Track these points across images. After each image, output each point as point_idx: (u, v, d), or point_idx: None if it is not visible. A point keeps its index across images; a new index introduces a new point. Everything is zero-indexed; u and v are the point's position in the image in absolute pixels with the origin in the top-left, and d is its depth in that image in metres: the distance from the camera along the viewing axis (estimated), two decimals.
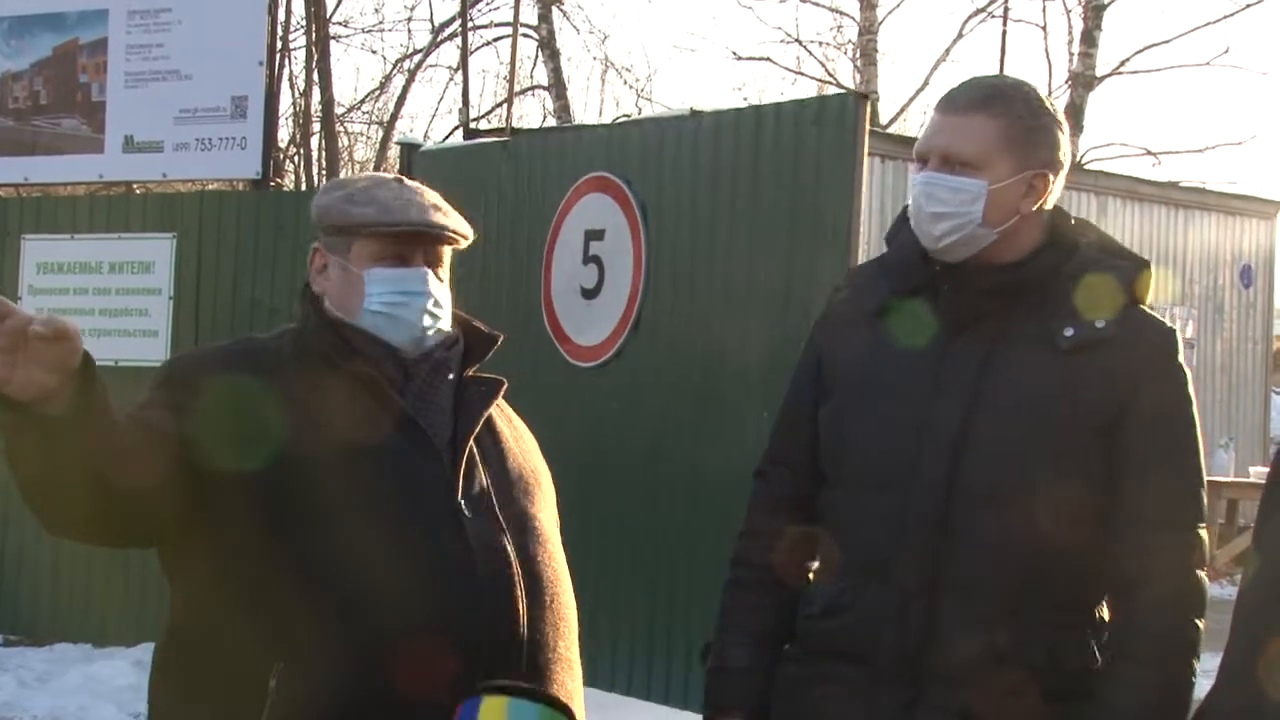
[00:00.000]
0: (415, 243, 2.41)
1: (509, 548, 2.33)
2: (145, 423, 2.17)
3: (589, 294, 6.19)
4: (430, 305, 2.40)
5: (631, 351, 6.07)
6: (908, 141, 8.95)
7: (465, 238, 2.45)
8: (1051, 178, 2.37)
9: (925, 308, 2.39)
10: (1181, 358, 2.37)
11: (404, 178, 2.53)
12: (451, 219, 2.45)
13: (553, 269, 6.35)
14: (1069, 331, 2.32)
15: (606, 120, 9.93)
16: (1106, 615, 2.39)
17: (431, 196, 2.46)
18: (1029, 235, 2.39)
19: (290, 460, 2.23)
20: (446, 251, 2.45)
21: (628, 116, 15.34)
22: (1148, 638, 2.29)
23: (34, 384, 1.90)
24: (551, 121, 17.86)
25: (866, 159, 5.52)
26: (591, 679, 2.65)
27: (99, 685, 6.76)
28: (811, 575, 2.52)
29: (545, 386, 6.07)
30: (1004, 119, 2.34)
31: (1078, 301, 2.34)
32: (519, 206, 6.64)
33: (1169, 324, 2.39)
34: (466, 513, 2.31)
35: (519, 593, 2.31)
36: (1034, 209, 2.37)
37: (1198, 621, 2.31)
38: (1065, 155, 2.40)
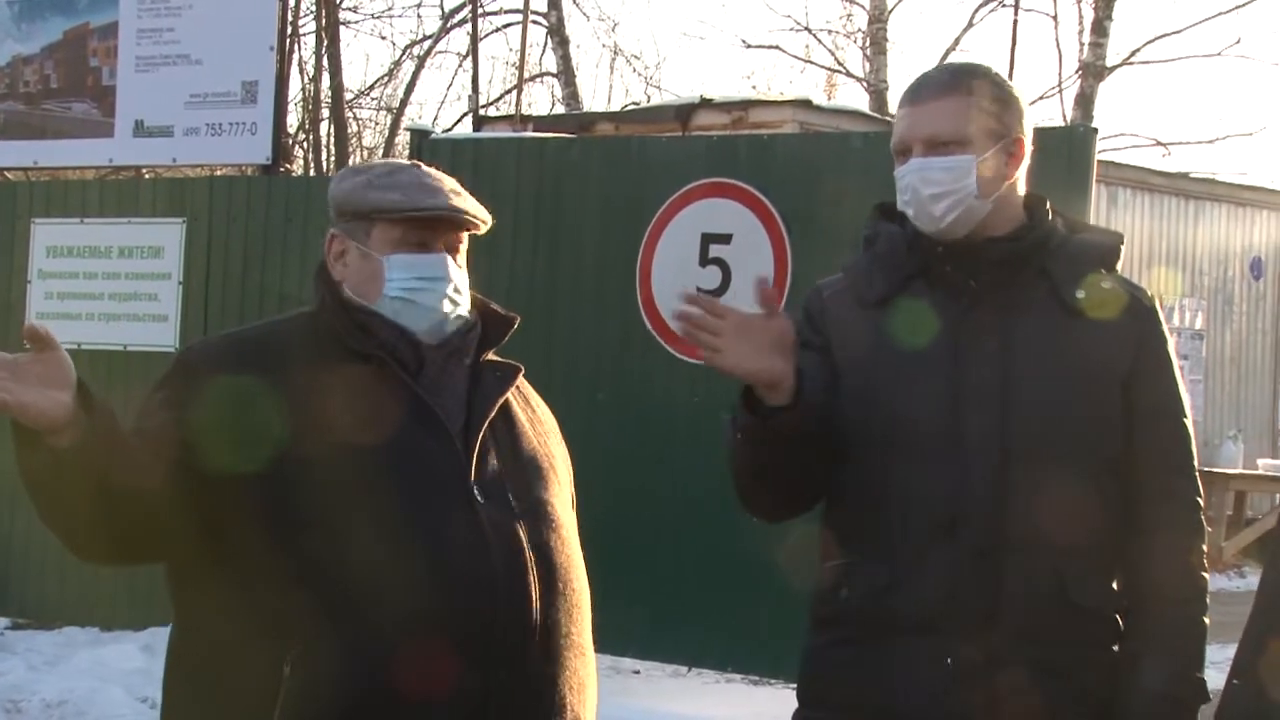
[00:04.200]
0: (435, 229, 2.41)
1: (522, 533, 2.33)
2: (151, 434, 2.22)
3: (709, 295, 6.23)
4: (450, 291, 2.41)
5: None
6: None
7: (485, 223, 2.46)
8: (1025, 143, 2.53)
9: (928, 291, 2.50)
10: (1161, 315, 2.57)
11: (421, 163, 2.54)
12: (471, 204, 2.45)
13: (653, 267, 6.42)
14: (1081, 294, 2.48)
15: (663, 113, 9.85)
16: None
17: (450, 183, 2.47)
18: (1014, 209, 2.54)
19: (299, 453, 2.24)
20: (465, 237, 2.46)
21: (636, 104, 15.30)
22: (1178, 577, 2.45)
23: (39, 408, 2.02)
24: (560, 109, 17.85)
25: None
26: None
27: (107, 669, 6.78)
28: (835, 556, 2.52)
29: (642, 378, 6.39)
30: (974, 95, 2.50)
31: (1074, 267, 2.51)
32: (588, 203, 6.67)
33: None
34: (480, 498, 2.32)
35: (532, 578, 2.31)
36: (1017, 175, 2.53)
37: (1205, 562, 2.51)
38: (1030, 124, 2.56)
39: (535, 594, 2.31)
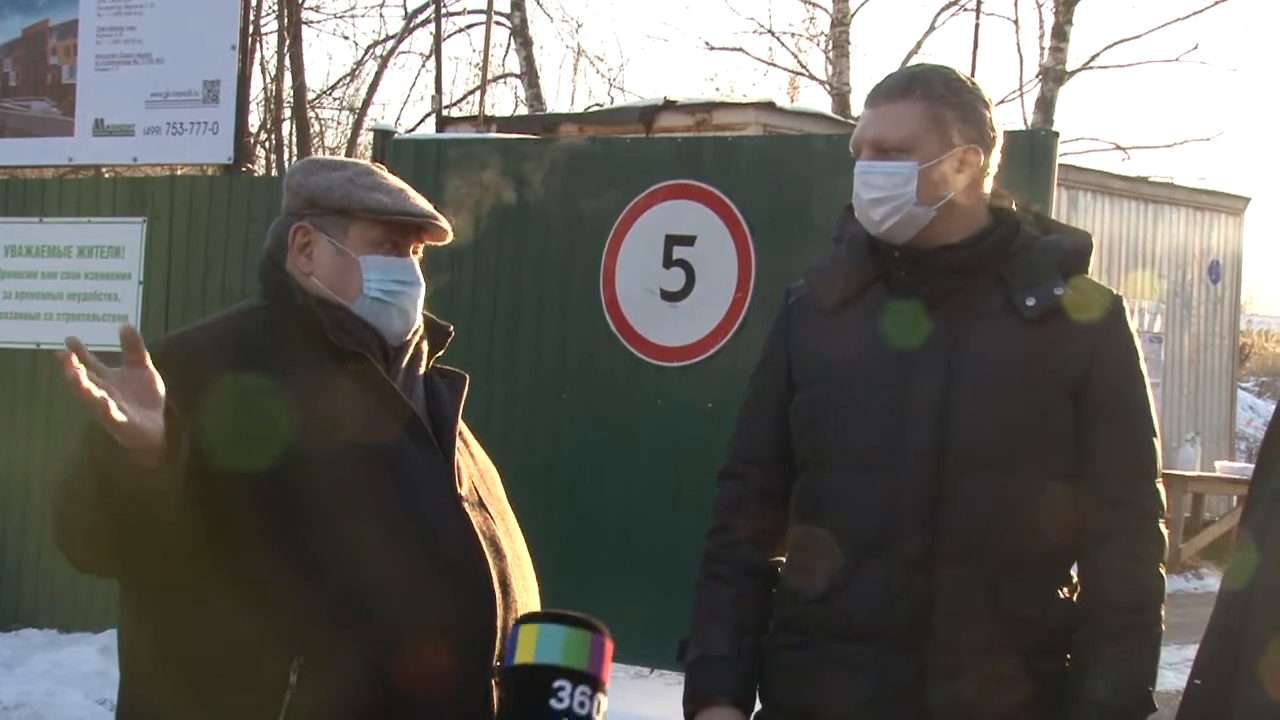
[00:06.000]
0: (409, 233, 2.42)
1: (502, 537, 2.37)
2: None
3: (673, 296, 6.31)
4: (419, 295, 2.42)
5: (729, 352, 6.13)
6: None
7: (449, 237, 2.47)
8: (982, 151, 2.48)
9: (886, 295, 2.48)
10: (1128, 319, 2.51)
11: (379, 165, 2.53)
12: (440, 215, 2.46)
13: (617, 268, 6.42)
14: (1031, 301, 2.43)
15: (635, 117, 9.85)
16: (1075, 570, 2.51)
17: (412, 190, 2.47)
18: (975, 213, 2.50)
19: (304, 451, 2.22)
20: (422, 247, 2.47)
21: (600, 106, 15.28)
22: (1125, 585, 2.42)
23: (141, 426, 1.95)
24: (524, 110, 17.81)
25: None
26: None
27: (65, 671, 6.72)
28: (791, 561, 2.55)
29: (607, 379, 6.38)
30: (925, 101, 2.45)
31: (1032, 272, 2.45)
32: (552, 204, 6.66)
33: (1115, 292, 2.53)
34: (465, 504, 2.33)
35: (512, 580, 2.35)
36: (970, 184, 2.47)
37: (1163, 568, 2.46)
38: (995, 130, 2.51)
39: (516, 596, 2.34)
